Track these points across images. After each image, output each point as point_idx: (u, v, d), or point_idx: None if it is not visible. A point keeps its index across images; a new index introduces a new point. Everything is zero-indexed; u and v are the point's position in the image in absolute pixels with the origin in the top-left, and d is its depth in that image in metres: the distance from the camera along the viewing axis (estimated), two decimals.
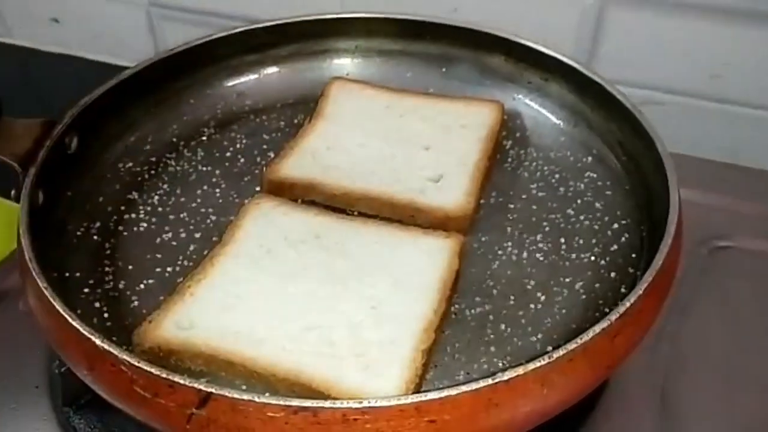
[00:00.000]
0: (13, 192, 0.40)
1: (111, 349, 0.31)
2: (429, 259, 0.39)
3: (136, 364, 0.30)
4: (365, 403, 0.28)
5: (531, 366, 0.30)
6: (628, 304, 0.32)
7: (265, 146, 0.49)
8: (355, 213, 0.44)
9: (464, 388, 0.29)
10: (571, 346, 0.30)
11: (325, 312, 0.37)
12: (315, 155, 0.46)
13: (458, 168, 0.45)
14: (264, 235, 0.41)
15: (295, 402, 0.29)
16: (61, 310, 0.33)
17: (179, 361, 0.36)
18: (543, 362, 0.30)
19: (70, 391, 0.38)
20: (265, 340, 0.35)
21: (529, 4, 0.61)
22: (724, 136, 0.62)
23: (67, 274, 0.40)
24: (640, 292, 0.33)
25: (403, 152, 0.46)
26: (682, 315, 0.44)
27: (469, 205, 0.43)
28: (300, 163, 0.46)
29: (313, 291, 0.38)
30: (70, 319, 0.32)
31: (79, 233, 0.43)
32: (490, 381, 0.29)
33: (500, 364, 0.36)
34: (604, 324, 0.31)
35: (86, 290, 0.40)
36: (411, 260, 0.39)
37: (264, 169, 0.46)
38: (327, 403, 0.29)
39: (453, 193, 0.43)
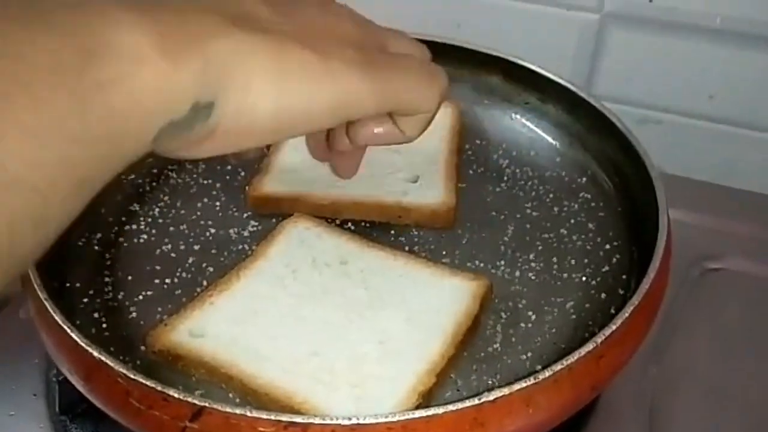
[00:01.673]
0: None
1: (107, 361, 0.32)
2: (448, 301, 0.39)
3: (132, 376, 0.31)
4: (354, 420, 0.29)
5: (516, 386, 0.30)
6: (614, 327, 0.33)
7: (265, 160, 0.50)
8: (379, 230, 0.45)
9: (450, 407, 0.30)
10: (557, 367, 0.31)
11: (333, 340, 0.37)
12: (295, 169, 0.47)
13: (431, 167, 0.47)
14: (293, 254, 0.42)
15: (286, 417, 0.29)
16: (60, 322, 0.33)
17: (185, 368, 0.36)
18: (528, 383, 0.30)
19: (66, 399, 0.39)
20: (268, 358, 0.36)
21: (531, 22, 0.61)
22: (720, 156, 0.62)
23: (67, 284, 0.41)
24: (627, 314, 0.33)
25: (377, 158, 0.47)
26: (672, 336, 0.45)
27: (451, 200, 0.45)
28: (282, 177, 0.47)
29: (326, 316, 0.38)
30: (68, 331, 0.33)
31: (80, 244, 0.44)
32: (476, 401, 0.30)
33: (489, 382, 0.37)
34: (589, 346, 0.32)
35: (85, 300, 0.41)
36: (430, 299, 0.39)
37: (246, 188, 0.47)
38: (317, 419, 0.29)
39: (433, 190, 0.45)
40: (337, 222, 0.45)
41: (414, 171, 0.47)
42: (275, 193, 0.46)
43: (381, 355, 0.36)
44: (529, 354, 0.38)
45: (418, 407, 0.34)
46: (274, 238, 0.43)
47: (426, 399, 0.35)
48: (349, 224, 0.45)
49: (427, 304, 0.39)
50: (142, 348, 0.38)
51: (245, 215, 0.46)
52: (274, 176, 0.47)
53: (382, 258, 0.42)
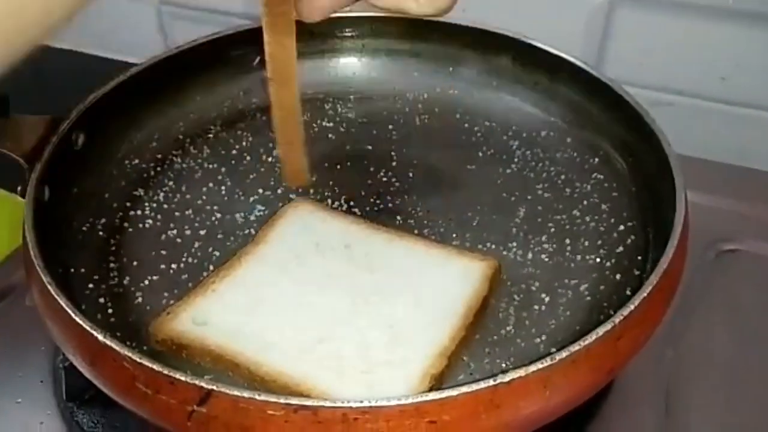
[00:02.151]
0: (19, 188, 0.40)
1: (113, 345, 0.31)
2: (457, 283, 0.38)
3: (138, 360, 0.30)
4: (365, 403, 0.28)
5: (533, 368, 0.30)
6: (632, 307, 0.32)
7: (271, 144, 0.49)
8: (386, 213, 0.43)
9: (465, 389, 0.29)
10: (574, 348, 0.30)
11: (341, 325, 0.36)
12: None
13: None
14: (296, 239, 0.41)
15: (295, 401, 0.29)
16: (64, 306, 0.33)
17: (190, 356, 0.36)
18: (545, 364, 0.30)
19: (73, 386, 0.39)
20: (274, 345, 0.35)
21: (538, 5, 0.60)
22: (733, 138, 0.61)
23: (72, 270, 0.40)
24: (645, 294, 0.33)
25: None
26: (687, 318, 0.44)
27: None
28: None
29: (332, 302, 0.37)
30: (73, 315, 0.32)
31: (84, 229, 0.43)
32: (491, 382, 0.29)
33: (503, 365, 0.36)
34: (607, 326, 0.31)
35: (91, 286, 0.40)
36: (438, 281, 0.38)
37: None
38: (327, 402, 0.29)
39: None
40: (342, 206, 0.44)
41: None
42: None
43: (390, 339, 0.36)
44: (543, 337, 0.37)
45: (430, 390, 0.33)
46: (275, 222, 0.42)
47: (437, 382, 0.34)
48: (355, 208, 0.44)
49: (435, 287, 0.38)
50: (150, 333, 0.37)
51: (251, 199, 0.45)
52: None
53: (387, 241, 0.41)
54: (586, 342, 0.30)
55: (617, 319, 0.31)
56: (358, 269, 0.39)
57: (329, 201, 0.45)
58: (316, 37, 0.53)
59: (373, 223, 0.42)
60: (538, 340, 0.37)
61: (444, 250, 0.40)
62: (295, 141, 0.40)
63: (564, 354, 0.30)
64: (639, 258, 0.41)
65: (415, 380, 0.34)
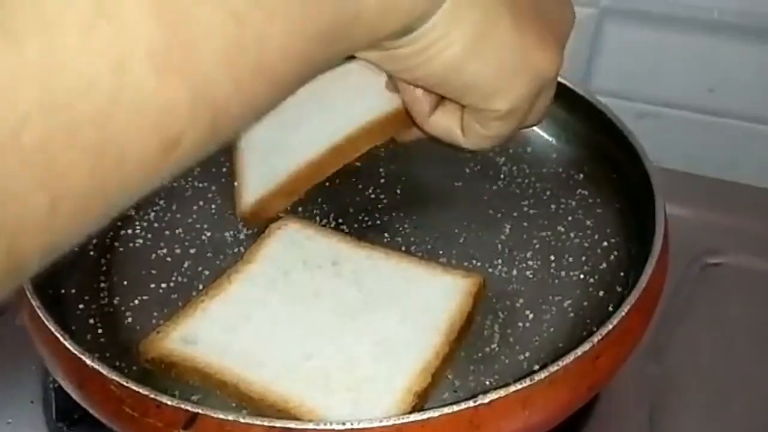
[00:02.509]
0: None
1: (101, 369, 0.31)
2: (441, 299, 0.39)
3: (125, 383, 0.31)
4: (348, 425, 0.29)
5: (512, 388, 0.30)
6: (610, 326, 0.32)
7: None
8: (374, 231, 0.44)
9: (446, 410, 0.29)
10: (552, 368, 0.31)
11: (327, 342, 0.37)
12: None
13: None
14: (284, 257, 0.41)
15: (279, 423, 0.29)
16: (53, 330, 0.33)
17: (179, 375, 0.36)
18: (524, 384, 0.30)
19: (63, 406, 0.39)
20: (262, 363, 0.36)
21: None
22: (721, 149, 0.62)
23: (62, 291, 0.41)
24: (623, 313, 0.33)
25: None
26: (672, 333, 0.45)
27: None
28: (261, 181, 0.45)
29: (320, 319, 0.38)
30: (62, 339, 0.33)
31: (75, 249, 0.43)
32: (471, 403, 0.30)
33: (487, 383, 0.37)
34: (585, 346, 0.31)
35: (81, 306, 0.40)
36: (423, 298, 0.39)
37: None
38: (310, 425, 0.29)
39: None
40: (330, 223, 0.45)
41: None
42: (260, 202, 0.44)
43: (375, 356, 0.36)
44: (527, 354, 0.38)
45: (414, 407, 0.34)
46: (264, 240, 0.43)
47: (422, 399, 0.35)
48: (343, 225, 0.45)
49: (420, 303, 0.39)
50: (140, 352, 0.37)
51: (239, 219, 0.46)
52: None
53: (374, 258, 0.41)
54: (565, 362, 0.31)
55: (596, 338, 0.32)
56: (345, 286, 0.40)
57: (317, 218, 0.46)
58: None
59: (361, 240, 0.43)
60: (522, 357, 0.38)
61: (429, 267, 0.41)
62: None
63: (543, 374, 0.30)
64: (621, 274, 0.41)
65: (398, 397, 0.34)
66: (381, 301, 0.39)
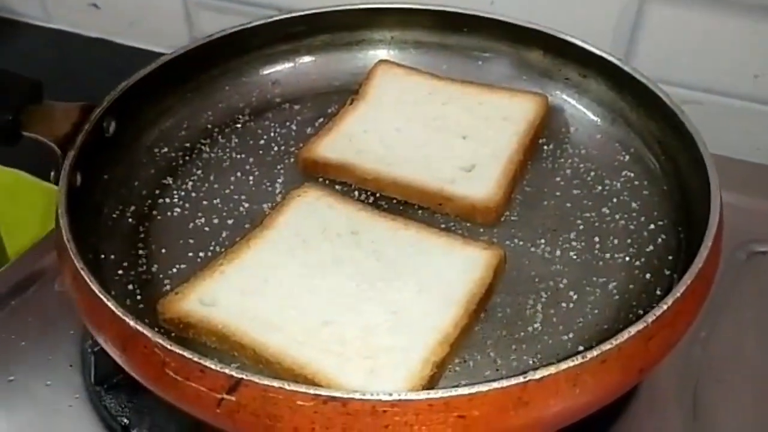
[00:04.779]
0: (52, 173, 0.41)
1: (144, 331, 0.31)
2: (461, 271, 0.38)
3: (169, 347, 0.30)
4: (395, 396, 0.28)
5: (563, 365, 0.29)
6: (665, 307, 0.32)
7: (298, 135, 0.49)
8: (394, 201, 0.44)
9: (495, 384, 0.29)
10: (606, 346, 0.30)
11: (345, 310, 0.36)
12: (351, 137, 0.47)
13: (492, 160, 0.45)
14: (303, 224, 0.41)
15: (325, 392, 0.29)
16: (96, 291, 0.33)
17: (196, 335, 0.36)
18: (575, 362, 0.29)
19: (102, 370, 0.39)
20: (279, 328, 0.35)
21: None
22: (764, 137, 0.60)
23: (102, 256, 0.41)
24: (678, 294, 0.32)
25: (440, 140, 0.46)
26: (716, 319, 0.44)
27: (497, 198, 0.42)
28: (336, 144, 0.46)
29: (338, 287, 0.38)
30: (105, 300, 0.33)
31: (114, 216, 0.43)
32: (521, 379, 0.29)
33: (530, 362, 0.36)
34: (639, 326, 0.31)
35: (120, 272, 0.40)
36: (442, 269, 0.38)
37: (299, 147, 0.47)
38: (357, 395, 0.29)
39: (483, 184, 0.43)
40: (351, 193, 0.44)
41: (473, 160, 0.45)
42: (324, 157, 0.45)
43: (393, 325, 0.36)
44: (571, 335, 0.37)
45: (432, 377, 0.34)
46: (284, 208, 0.42)
47: (440, 369, 0.34)
48: (370, 197, 0.44)
49: (440, 274, 0.38)
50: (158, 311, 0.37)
51: (278, 190, 0.45)
52: (329, 141, 0.46)
53: (394, 228, 0.41)
54: (618, 341, 0.30)
55: (650, 318, 0.31)
56: (365, 255, 0.39)
57: (338, 187, 0.45)
58: (344, 28, 0.53)
59: (381, 210, 0.42)
60: (566, 337, 0.37)
61: (449, 239, 0.40)
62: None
63: (595, 353, 0.30)
64: (670, 258, 0.40)
65: (415, 367, 0.34)
66: (400, 271, 0.38)
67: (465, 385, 0.29)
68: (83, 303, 0.34)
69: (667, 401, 0.40)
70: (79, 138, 0.41)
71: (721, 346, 0.43)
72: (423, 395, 0.29)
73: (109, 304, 0.32)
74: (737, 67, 0.58)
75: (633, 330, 0.30)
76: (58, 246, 0.37)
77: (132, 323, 0.31)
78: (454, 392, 0.29)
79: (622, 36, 0.60)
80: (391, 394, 0.29)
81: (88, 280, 0.33)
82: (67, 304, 0.36)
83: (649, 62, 0.60)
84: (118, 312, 0.32)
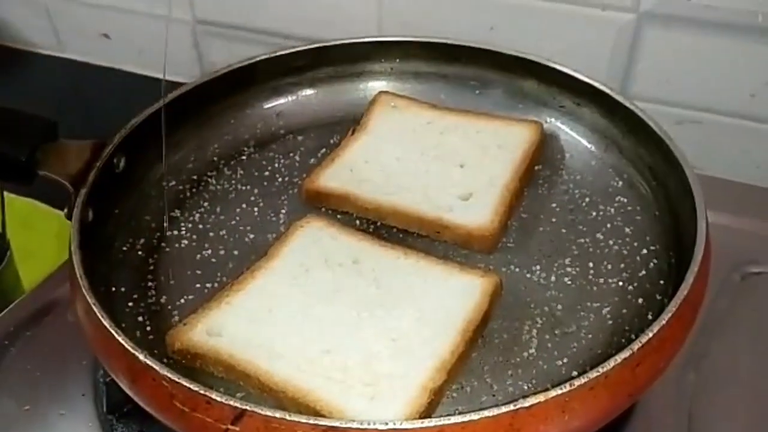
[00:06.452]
0: (65, 210, 0.43)
1: (153, 365, 0.33)
2: (458, 298, 0.39)
3: (176, 379, 0.32)
4: (390, 425, 0.30)
5: (552, 393, 0.30)
6: (650, 334, 0.33)
7: (301, 165, 0.51)
8: (394, 230, 0.45)
9: (486, 413, 0.30)
10: (593, 374, 0.31)
11: (346, 338, 0.38)
12: (353, 168, 0.48)
13: (488, 188, 0.46)
14: (307, 253, 0.43)
15: (324, 421, 0.30)
16: (107, 326, 0.35)
17: (204, 366, 0.38)
18: (564, 390, 0.31)
19: (113, 400, 0.41)
20: (282, 356, 0.37)
21: (566, 23, 0.61)
22: (762, 156, 0.61)
23: (113, 289, 0.42)
24: (664, 321, 0.33)
25: (438, 169, 0.48)
26: (712, 340, 0.44)
27: (493, 225, 0.44)
28: (338, 174, 0.48)
29: (339, 315, 0.39)
30: (115, 335, 0.34)
31: (125, 249, 0.45)
32: (511, 407, 0.30)
33: (525, 387, 0.37)
34: (625, 354, 0.32)
35: (130, 304, 0.42)
36: (440, 296, 0.40)
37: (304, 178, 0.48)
38: (355, 424, 0.30)
39: (479, 212, 0.44)
40: (352, 222, 0.46)
41: (470, 188, 0.46)
42: (327, 188, 0.47)
43: (393, 353, 0.37)
44: (565, 359, 0.38)
45: (429, 404, 0.35)
46: (287, 238, 0.44)
47: (437, 396, 0.35)
48: (371, 226, 0.46)
49: (438, 302, 0.39)
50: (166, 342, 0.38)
51: (282, 221, 0.47)
52: (331, 172, 0.48)
53: (394, 257, 0.42)
54: (605, 368, 0.31)
55: (635, 346, 0.32)
56: (365, 283, 0.41)
57: (340, 216, 0.47)
58: (346, 61, 0.55)
59: (382, 240, 0.44)
60: (560, 362, 0.38)
61: (447, 267, 0.42)
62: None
63: (583, 380, 0.31)
64: (661, 282, 0.41)
65: (414, 394, 0.35)
66: (399, 299, 0.40)
67: (458, 414, 0.30)
68: (95, 337, 0.36)
69: (662, 422, 0.41)
70: (91, 175, 0.43)
71: (717, 367, 0.43)
72: (418, 424, 0.30)
73: (120, 339, 0.34)
74: (733, 87, 0.59)
75: (619, 358, 0.32)
76: (71, 281, 0.39)
77: (141, 357, 0.33)
78: (446, 421, 0.30)
79: (620, 58, 0.61)
80: (386, 423, 0.30)
81: (100, 316, 0.35)
82: (79, 335, 0.38)
83: (647, 84, 0.61)
84: (128, 347, 0.33)
